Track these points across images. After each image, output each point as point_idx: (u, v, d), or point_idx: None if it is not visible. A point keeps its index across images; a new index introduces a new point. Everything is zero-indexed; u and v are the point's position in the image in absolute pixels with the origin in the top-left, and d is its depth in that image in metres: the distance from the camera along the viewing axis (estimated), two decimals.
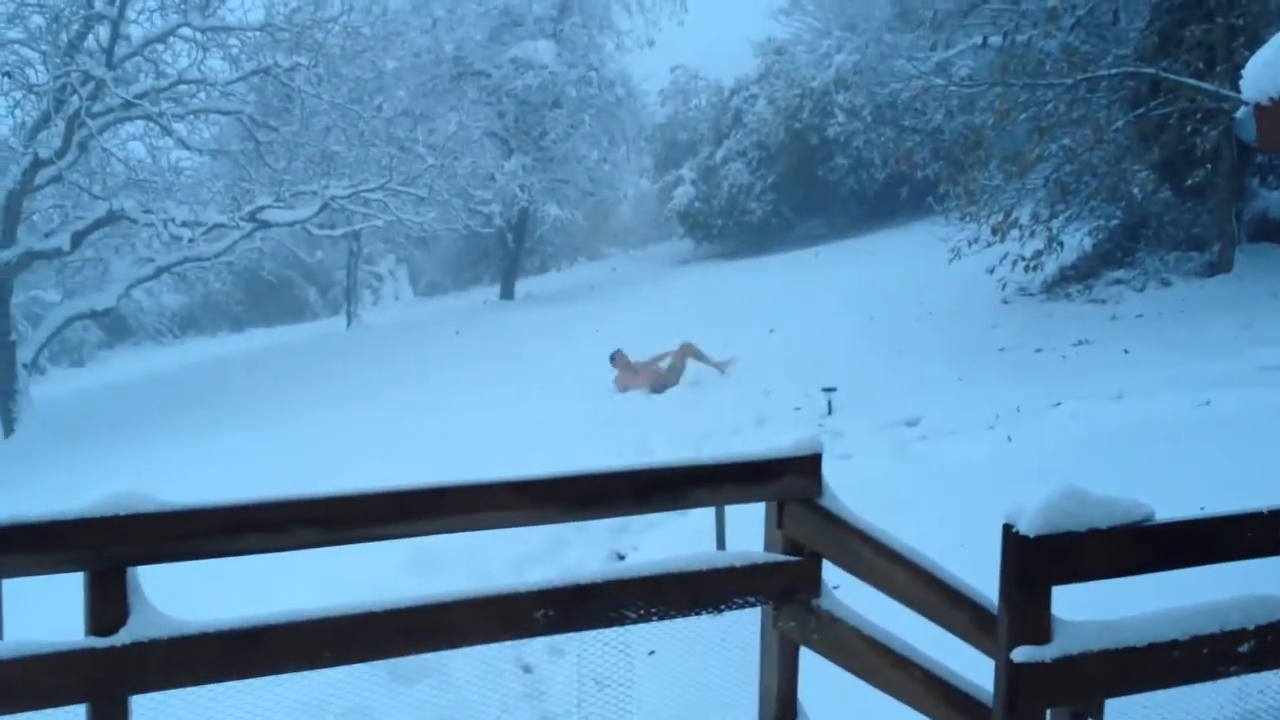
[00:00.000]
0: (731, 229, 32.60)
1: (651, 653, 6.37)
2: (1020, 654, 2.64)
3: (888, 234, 26.84)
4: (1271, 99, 3.84)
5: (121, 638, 2.67)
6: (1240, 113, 4.03)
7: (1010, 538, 2.64)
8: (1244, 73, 3.99)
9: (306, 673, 6.00)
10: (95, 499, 2.67)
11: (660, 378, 14.78)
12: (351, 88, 20.66)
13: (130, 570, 2.72)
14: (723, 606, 3.24)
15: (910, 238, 22.69)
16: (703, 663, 5.94)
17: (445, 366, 18.26)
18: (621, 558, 8.53)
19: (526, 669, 6.88)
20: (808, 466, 3.21)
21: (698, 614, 3.18)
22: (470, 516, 3.00)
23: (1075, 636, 2.69)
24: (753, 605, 3.26)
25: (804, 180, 31.50)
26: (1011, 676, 2.65)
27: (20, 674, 2.60)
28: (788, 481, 3.21)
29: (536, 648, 7.02)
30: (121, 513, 2.65)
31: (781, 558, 3.24)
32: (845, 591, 3.45)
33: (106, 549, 2.66)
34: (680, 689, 5.55)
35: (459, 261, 44.07)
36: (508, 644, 7.04)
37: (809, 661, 3.43)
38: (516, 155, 29.35)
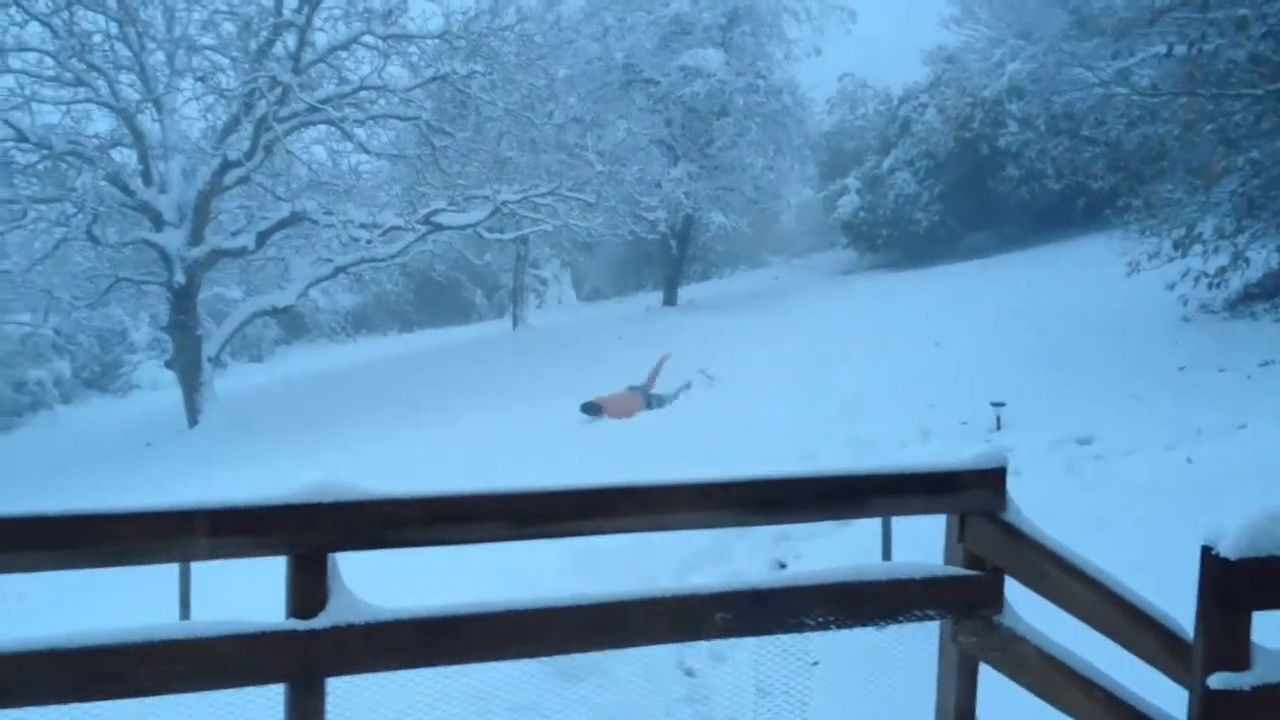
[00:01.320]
0: (896, 239, 32.17)
1: (816, 663, 6.37)
2: (1218, 680, 2.56)
3: (1059, 247, 26.10)
4: None
5: (321, 621, 2.77)
6: None
7: (1210, 560, 2.56)
8: None
9: (477, 667, 6.16)
10: (299, 486, 2.78)
11: (633, 400, 15.58)
12: (524, 94, 21.03)
13: (330, 556, 2.83)
14: (901, 618, 3.21)
15: (1083, 251, 22.05)
16: (869, 675, 5.91)
17: (610, 369, 18.42)
18: (782, 566, 8.51)
19: (689, 673, 6.92)
20: (992, 479, 3.17)
21: (876, 625, 3.17)
22: (654, 517, 3.04)
23: (1277, 664, 2.61)
24: (932, 619, 3.23)
25: (973, 191, 30.88)
26: (1207, 703, 2.57)
27: (228, 652, 2.72)
28: (971, 494, 3.17)
29: (699, 651, 7.05)
30: (325, 500, 2.75)
31: (963, 572, 3.20)
32: (1024, 609, 3.39)
33: (309, 535, 2.77)
34: (847, 701, 5.53)
35: (622, 267, 44.47)
36: (670, 647, 7.15)
37: (987, 678, 3.38)
38: (682, 163, 29.50)
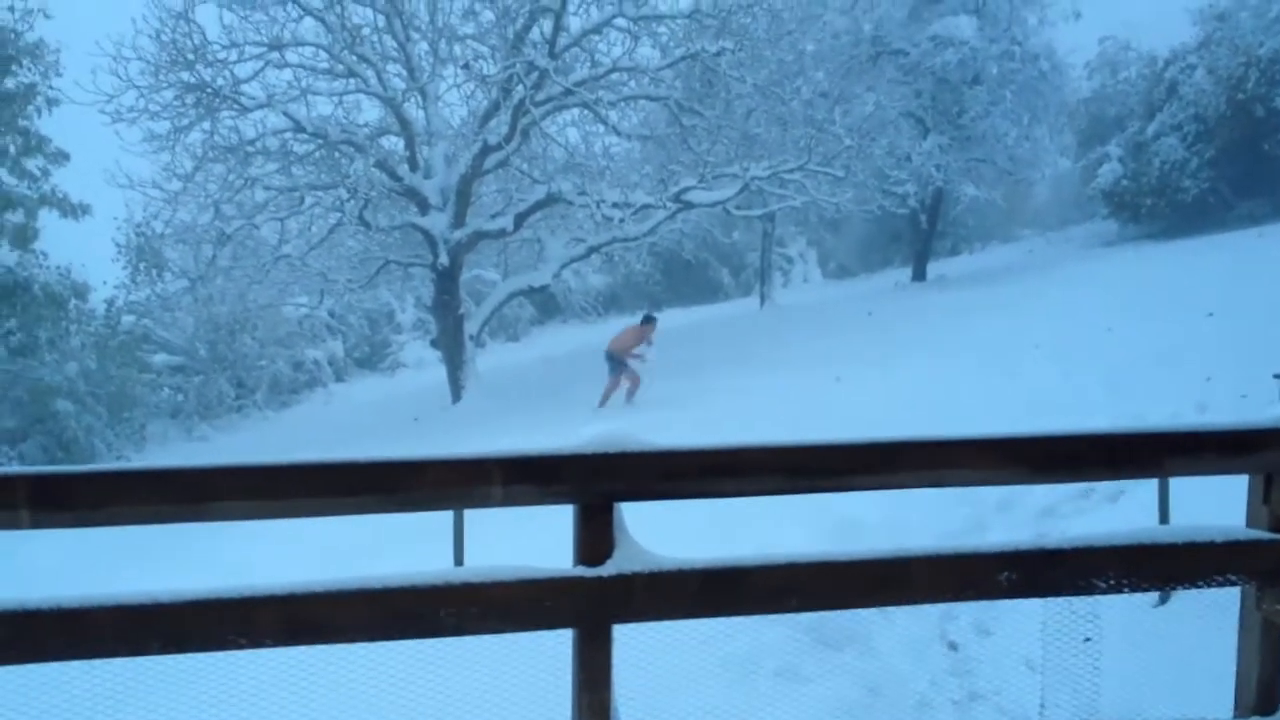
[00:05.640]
0: (1162, 209, 30.64)
1: (1087, 639, 6.17)
2: None
3: None
4: None
5: (608, 569, 2.85)
6: None
7: None
8: None
9: (735, 632, 6.22)
10: (587, 436, 2.86)
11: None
12: (772, 70, 20.95)
13: (616, 505, 2.90)
14: (1200, 583, 3.07)
15: None
16: (1146, 650, 5.68)
17: (858, 345, 18.25)
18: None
19: (952, 646, 6.81)
20: None
21: (1171, 589, 3.05)
22: (931, 473, 2.99)
23: None
24: (1233, 584, 3.07)
25: (1247, 155, 29.11)
26: None
27: (521, 596, 2.83)
28: (1276, 453, 3.00)
29: (963, 625, 6.93)
30: (611, 450, 2.83)
31: (1269, 535, 3.03)
32: None
33: (597, 484, 2.85)
34: (1124, 680, 5.33)
35: (868, 244, 43.89)
36: (932, 620, 7.04)
37: None
38: (933, 135, 28.88)
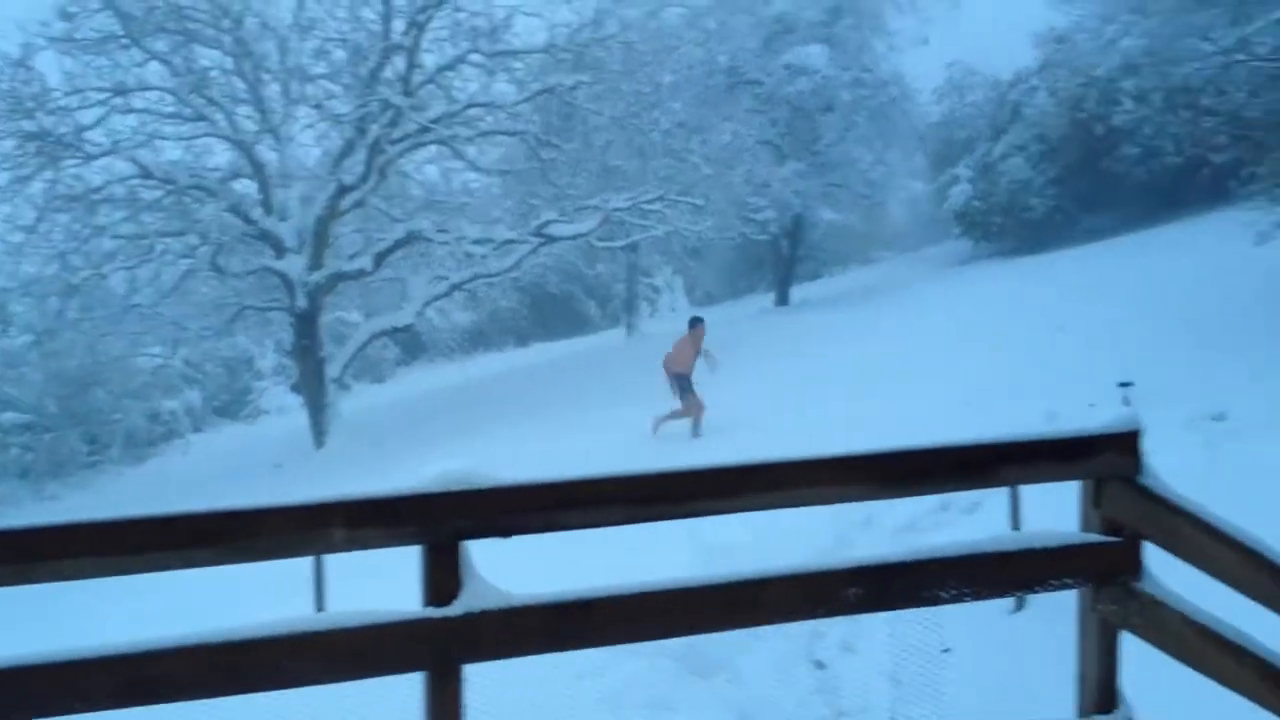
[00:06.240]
0: (1011, 226, 31.56)
1: (946, 650, 6.29)
2: None
3: (1182, 224, 25.37)
4: None
5: (456, 608, 2.81)
6: None
7: None
8: None
9: (605, 667, 6.19)
10: (431, 475, 2.83)
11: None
12: (629, 103, 21.14)
13: (463, 544, 2.87)
14: (1037, 588, 3.16)
15: (1208, 226, 21.42)
16: (1003, 657, 5.81)
17: (724, 371, 18.42)
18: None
19: (819, 665, 6.88)
20: (1127, 443, 3.10)
21: (1011, 595, 3.12)
22: (780, 494, 3.02)
23: None
24: (1069, 588, 3.16)
25: (1089, 172, 30.18)
26: None
27: (367, 641, 2.78)
28: (1106, 459, 3.10)
29: (830, 644, 7.01)
30: (455, 488, 2.80)
31: (1100, 538, 3.13)
32: (1167, 577, 3.30)
33: (442, 523, 2.82)
34: (980, 688, 5.44)
35: (733, 271, 44.35)
36: (800, 640, 7.09)
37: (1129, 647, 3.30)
38: (790, 161, 29.39)
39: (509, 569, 3.21)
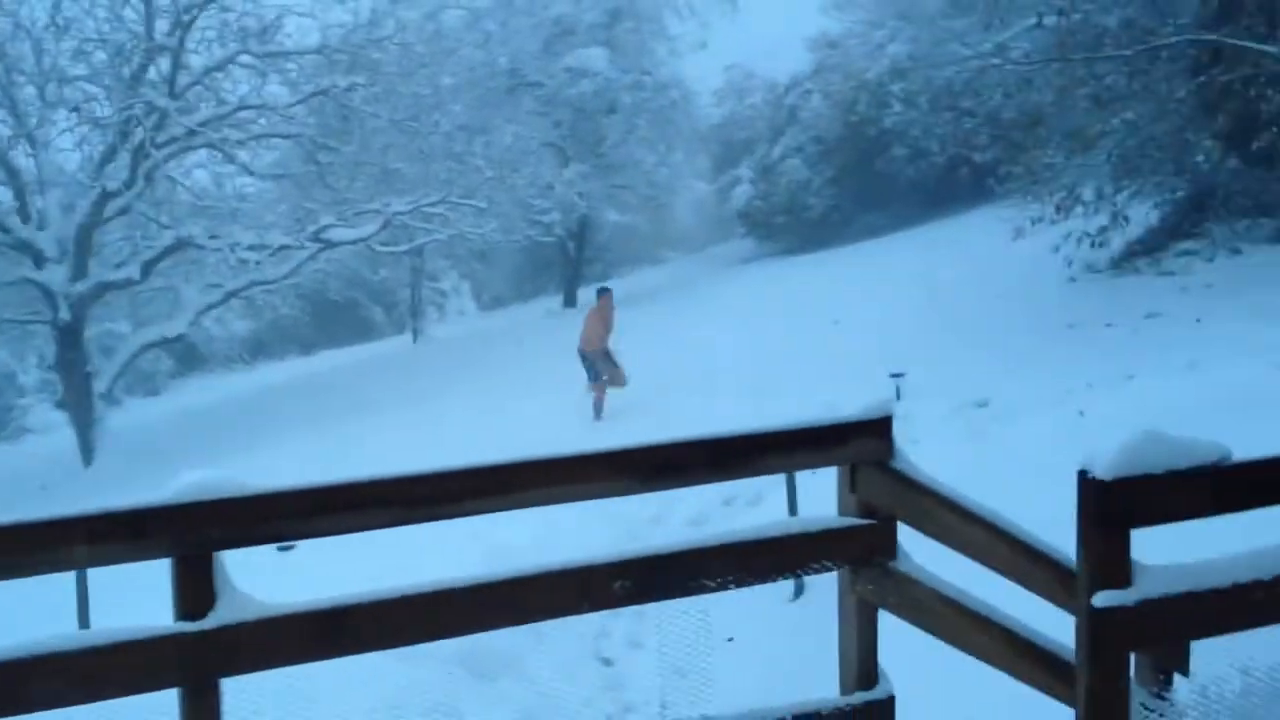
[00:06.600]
0: (792, 225, 32.47)
1: (730, 639, 6.40)
2: (1101, 599, 2.60)
3: (950, 221, 26.59)
4: None
5: (210, 621, 2.71)
6: None
7: (1087, 483, 2.61)
8: None
9: (386, 673, 6.07)
10: (178, 486, 2.72)
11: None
12: (409, 105, 20.89)
13: (216, 555, 2.77)
14: (799, 572, 3.24)
15: (973, 222, 22.49)
16: (783, 643, 5.96)
17: (511, 373, 18.40)
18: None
19: (606, 662, 6.93)
20: (879, 429, 3.19)
21: (775, 580, 3.18)
22: (549, 490, 3.02)
23: (1156, 580, 2.66)
24: (829, 570, 3.24)
25: (863, 173, 31.33)
26: (1093, 623, 2.62)
27: (118, 659, 2.65)
28: (859, 445, 3.19)
29: (616, 641, 7.06)
30: (205, 498, 2.69)
31: (856, 521, 3.22)
32: (923, 554, 3.43)
33: (192, 534, 2.71)
34: (758, 671, 5.56)
35: (521, 273, 44.27)
36: (587, 638, 7.11)
37: (888, 625, 3.41)
38: (574, 163, 29.51)
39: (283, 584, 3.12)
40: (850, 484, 3.24)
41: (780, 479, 7.35)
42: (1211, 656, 2.93)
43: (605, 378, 14.55)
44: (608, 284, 15.71)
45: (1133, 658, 3.02)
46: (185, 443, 19.57)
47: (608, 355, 14.63)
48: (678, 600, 3.30)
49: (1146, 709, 2.75)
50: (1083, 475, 2.62)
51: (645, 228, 36.72)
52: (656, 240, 44.30)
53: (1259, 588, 2.75)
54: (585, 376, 14.86)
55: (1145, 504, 2.61)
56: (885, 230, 29.66)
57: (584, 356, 14.78)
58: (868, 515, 3.23)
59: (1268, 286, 12.41)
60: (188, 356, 38.02)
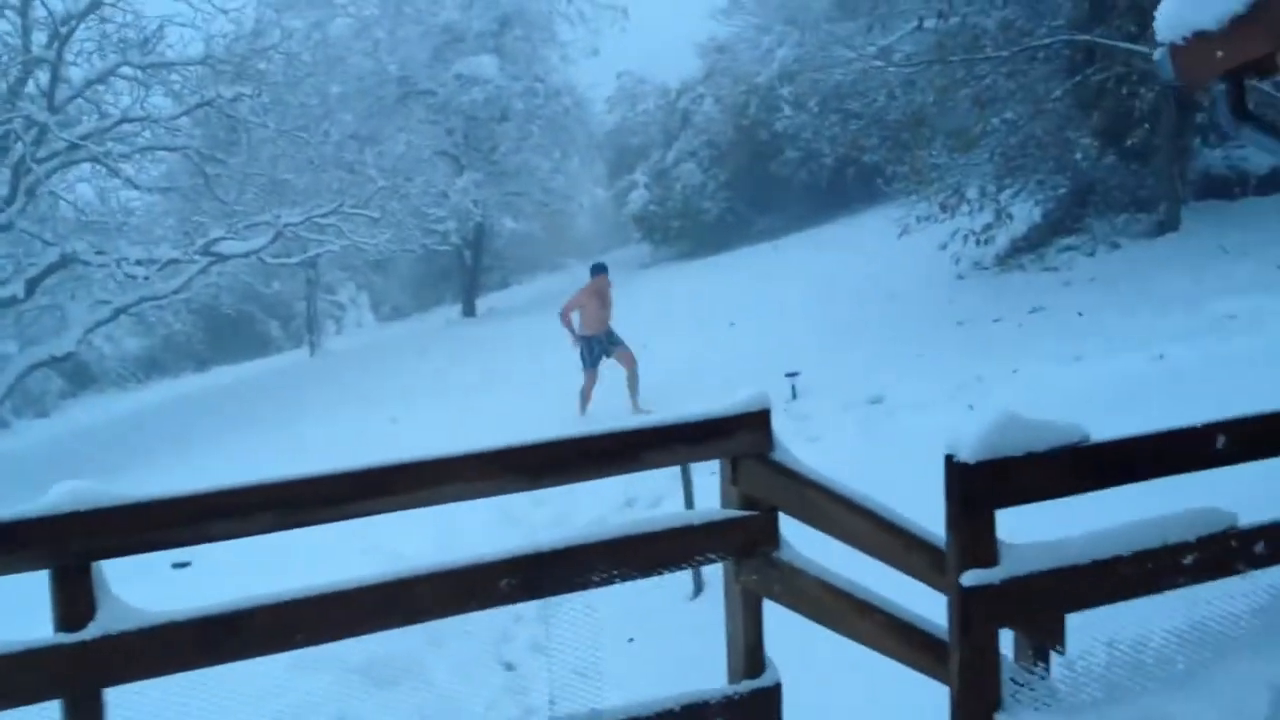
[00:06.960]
0: (688, 229, 32.64)
1: (631, 640, 6.45)
2: (970, 578, 2.70)
3: (842, 222, 27.01)
4: (1185, 38, 3.93)
5: (90, 632, 2.69)
6: (1157, 54, 4.11)
7: (952, 467, 2.71)
8: (1157, 14, 4.08)
9: (286, 685, 6.02)
10: (53, 496, 2.69)
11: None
12: (297, 115, 20.65)
13: (95, 565, 2.74)
14: (685, 565, 3.29)
15: (864, 223, 22.88)
16: (682, 641, 6.02)
17: (411, 383, 18.29)
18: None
19: (509, 667, 6.92)
20: (758, 422, 3.26)
21: (659, 573, 3.23)
22: (429, 491, 3.03)
23: (1022, 558, 2.77)
24: (714, 561, 3.31)
25: (756, 176, 31.60)
26: (963, 601, 2.72)
27: None
28: (739, 438, 3.26)
29: (519, 645, 7.06)
30: (81, 508, 2.67)
31: (739, 513, 3.29)
32: (806, 543, 3.50)
33: (69, 545, 2.68)
34: (655, 667, 5.62)
35: (419, 283, 43.95)
36: (488, 642, 7.10)
37: (773, 613, 3.48)
38: (468, 171, 29.40)
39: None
40: (732, 476, 3.30)
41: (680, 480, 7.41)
42: (1086, 632, 3.05)
43: (614, 359, 13.61)
44: (603, 262, 14.33)
45: (1012, 636, 3.14)
46: (75, 463, 19.10)
47: (611, 335, 13.68)
48: (575, 600, 3.35)
49: (1016, 683, 2.85)
50: (948, 459, 2.72)
51: (542, 234, 36.67)
52: (554, 247, 44.25)
53: (1121, 563, 2.87)
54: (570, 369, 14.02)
55: (1007, 485, 2.72)
56: (780, 232, 29.98)
57: (584, 341, 13.69)
58: (749, 507, 3.30)
59: (1146, 279, 12.82)
60: (79, 376, 37.12)
